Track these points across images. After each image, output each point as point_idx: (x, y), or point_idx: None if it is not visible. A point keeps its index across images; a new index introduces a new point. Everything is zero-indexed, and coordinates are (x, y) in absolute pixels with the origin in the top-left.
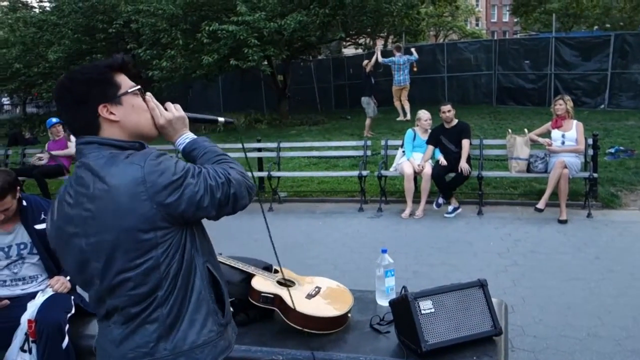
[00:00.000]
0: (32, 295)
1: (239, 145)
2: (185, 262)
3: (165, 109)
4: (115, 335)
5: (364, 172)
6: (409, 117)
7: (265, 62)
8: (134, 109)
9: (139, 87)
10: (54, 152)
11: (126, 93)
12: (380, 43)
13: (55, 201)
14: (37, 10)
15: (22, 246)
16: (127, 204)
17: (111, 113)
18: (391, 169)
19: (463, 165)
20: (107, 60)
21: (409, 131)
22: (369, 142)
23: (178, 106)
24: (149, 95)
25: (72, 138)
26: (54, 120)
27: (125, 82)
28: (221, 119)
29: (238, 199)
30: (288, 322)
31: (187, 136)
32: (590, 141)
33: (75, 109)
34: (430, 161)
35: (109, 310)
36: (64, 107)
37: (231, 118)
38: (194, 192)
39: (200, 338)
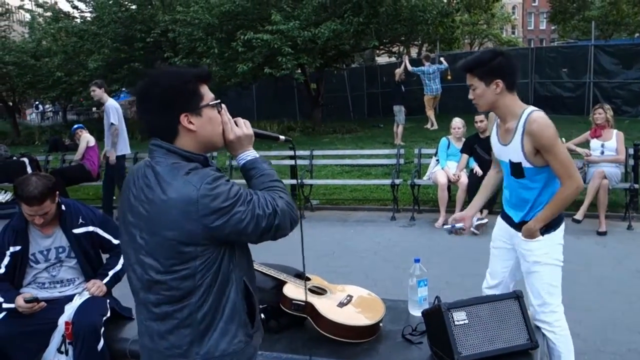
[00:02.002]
0: (70, 298)
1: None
2: (221, 274)
3: (236, 124)
4: (152, 330)
5: (397, 181)
6: (436, 126)
7: (299, 71)
8: (210, 122)
9: (218, 100)
10: (75, 157)
11: (207, 105)
12: (413, 52)
13: (126, 179)
14: (78, 21)
15: (60, 250)
16: (176, 218)
17: (190, 122)
18: (425, 178)
19: None
20: (194, 70)
21: (443, 140)
22: (402, 151)
23: (247, 123)
24: (224, 108)
25: (84, 138)
26: (76, 126)
27: (207, 93)
28: (282, 137)
29: (280, 229)
30: (319, 330)
31: (249, 154)
32: (631, 151)
33: (157, 111)
34: (465, 170)
35: (144, 303)
36: (145, 107)
37: (279, 134)
38: (241, 220)
39: (230, 347)
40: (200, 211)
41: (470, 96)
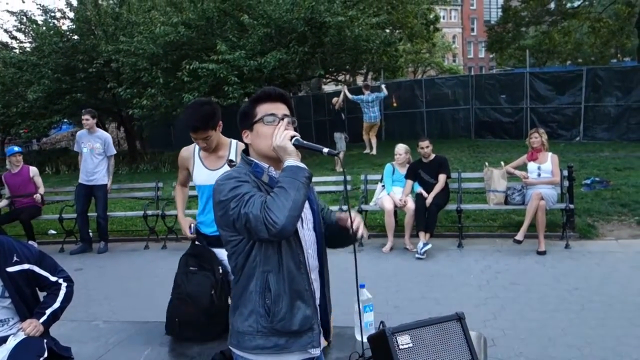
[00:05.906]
0: (4, 339)
1: None
2: (248, 263)
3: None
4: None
5: (345, 207)
6: (374, 152)
7: (246, 99)
8: (258, 135)
9: (260, 117)
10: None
11: (255, 122)
12: (359, 80)
13: None
14: (17, 51)
15: None
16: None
17: (247, 137)
18: (371, 204)
19: (429, 199)
20: (254, 94)
21: (388, 166)
22: (349, 177)
23: (285, 137)
24: (282, 122)
25: (33, 168)
26: (15, 149)
27: (261, 112)
28: (325, 150)
29: (252, 232)
30: None
31: (288, 162)
32: (565, 173)
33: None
34: (410, 195)
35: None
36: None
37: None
38: (229, 215)
39: (242, 327)
40: (215, 201)
41: (203, 144)
